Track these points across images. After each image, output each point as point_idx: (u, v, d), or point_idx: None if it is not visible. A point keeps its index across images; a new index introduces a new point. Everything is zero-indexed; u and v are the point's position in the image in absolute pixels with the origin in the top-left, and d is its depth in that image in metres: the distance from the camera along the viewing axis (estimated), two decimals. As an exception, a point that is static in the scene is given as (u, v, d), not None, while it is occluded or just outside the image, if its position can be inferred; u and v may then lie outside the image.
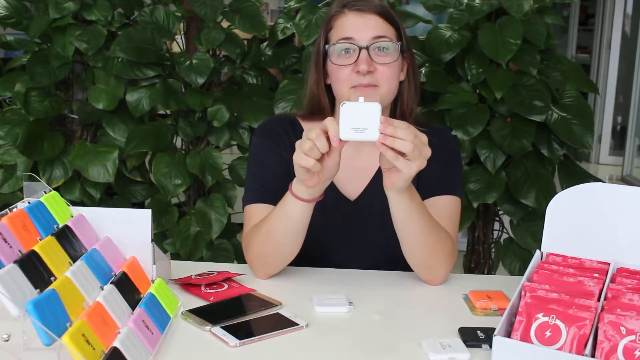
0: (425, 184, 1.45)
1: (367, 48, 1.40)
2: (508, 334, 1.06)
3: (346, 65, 1.41)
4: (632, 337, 0.98)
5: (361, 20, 1.42)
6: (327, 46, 1.45)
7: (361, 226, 1.51)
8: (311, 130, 1.20)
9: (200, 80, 2.43)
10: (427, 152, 1.19)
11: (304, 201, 1.30)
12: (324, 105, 1.51)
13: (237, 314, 1.21)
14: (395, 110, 1.52)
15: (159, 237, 2.56)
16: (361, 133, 1.16)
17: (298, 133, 1.53)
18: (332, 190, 1.49)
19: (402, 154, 1.16)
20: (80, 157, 2.47)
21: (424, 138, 1.19)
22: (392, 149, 1.15)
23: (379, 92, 1.41)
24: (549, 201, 1.26)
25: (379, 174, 1.51)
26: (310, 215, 1.33)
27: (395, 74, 1.44)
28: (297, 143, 1.22)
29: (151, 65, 2.48)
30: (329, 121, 1.18)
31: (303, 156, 1.20)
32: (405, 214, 1.31)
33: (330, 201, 1.47)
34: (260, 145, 1.53)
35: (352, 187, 1.51)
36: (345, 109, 1.16)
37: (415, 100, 1.52)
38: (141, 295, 1.16)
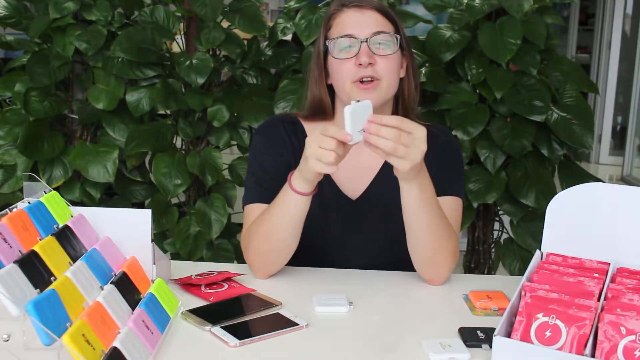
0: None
1: (367, 41, 1.41)
2: (508, 334, 1.06)
3: (347, 58, 1.42)
4: (632, 337, 0.98)
5: (360, 17, 1.44)
6: (327, 42, 1.45)
7: (362, 226, 1.51)
8: (323, 140, 1.20)
9: (200, 80, 2.43)
10: (420, 147, 1.19)
11: (303, 194, 1.31)
12: (326, 104, 1.51)
13: (237, 314, 1.21)
14: (397, 107, 1.52)
15: (159, 237, 2.56)
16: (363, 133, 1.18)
17: (299, 133, 1.53)
18: (333, 190, 1.49)
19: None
20: (80, 157, 2.47)
21: (418, 132, 1.19)
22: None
23: (381, 85, 1.42)
24: (549, 201, 1.26)
25: (380, 174, 1.51)
26: (307, 208, 1.34)
27: (395, 66, 1.45)
28: (313, 155, 1.21)
29: (151, 65, 2.48)
30: (332, 130, 1.19)
31: (325, 167, 1.21)
32: (415, 204, 1.31)
33: (332, 200, 1.47)
34: (260, 144, 1.53)
35: (354, 186, 1.51)
36: (349, 113, 1.17)
37: (416, 98, 1.53)
38: (141, 295, 1.16)
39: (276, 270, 1.43)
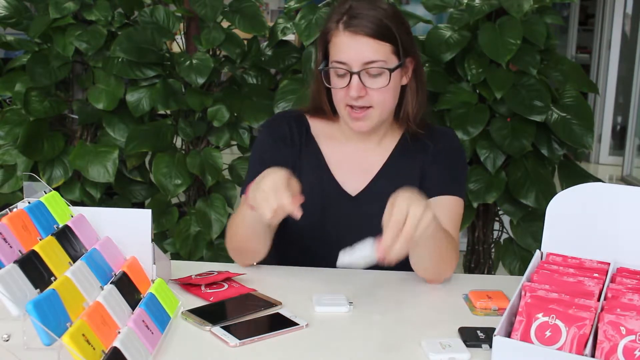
0: (428, 185, 1.45)
1: (358, 73, 1.39)
2: (508, 334, 1.06)
3: (340, 88, 1.42)
4: (632, 337, 0.98)
5: (353, 44, 1.39)
6: (320, 68, 1.45)
7: (361, 223, 1.50)
8: (272, 192, 1.19)
9: (200, 80, 2.43)
10: (424, 218, 1.15)
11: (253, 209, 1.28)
12: (326, 109, 1.52)
13: (237, 314, 1.21)
14: (399, 113, 1.51)
15: (159, 237, 2.56)
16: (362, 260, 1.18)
17: (304, 128, 1.53)
18: (333, 186, 1.49)
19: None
20: (80, 157, 2.47)
21: (412, 209, 1.15)
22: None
23: (374, 113, 1.42)
24: (549, 201, 1.26)
25: (382, 172, 1.51)
26: (268, 223, 1.32)
27: (388, 95, 1.43)
28: (258, 197, 1.21)
29: (151, 65, 2.48)
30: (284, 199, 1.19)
31: (264, 210, 1.20)
32: (429, 239, 1.27)
33: (331, 196, 1.48)
34: (263, 141, 1.54)
35: (354, 184, 1.51)
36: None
37: (422, 102, 1.50)
38: (141, 295, 1.16)
39: (254, 262, 1.46)
